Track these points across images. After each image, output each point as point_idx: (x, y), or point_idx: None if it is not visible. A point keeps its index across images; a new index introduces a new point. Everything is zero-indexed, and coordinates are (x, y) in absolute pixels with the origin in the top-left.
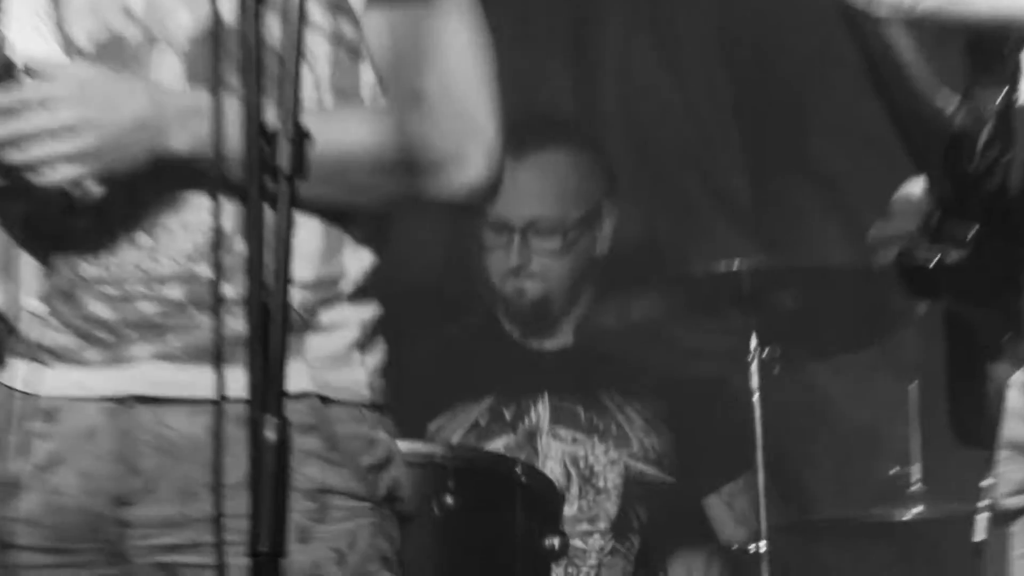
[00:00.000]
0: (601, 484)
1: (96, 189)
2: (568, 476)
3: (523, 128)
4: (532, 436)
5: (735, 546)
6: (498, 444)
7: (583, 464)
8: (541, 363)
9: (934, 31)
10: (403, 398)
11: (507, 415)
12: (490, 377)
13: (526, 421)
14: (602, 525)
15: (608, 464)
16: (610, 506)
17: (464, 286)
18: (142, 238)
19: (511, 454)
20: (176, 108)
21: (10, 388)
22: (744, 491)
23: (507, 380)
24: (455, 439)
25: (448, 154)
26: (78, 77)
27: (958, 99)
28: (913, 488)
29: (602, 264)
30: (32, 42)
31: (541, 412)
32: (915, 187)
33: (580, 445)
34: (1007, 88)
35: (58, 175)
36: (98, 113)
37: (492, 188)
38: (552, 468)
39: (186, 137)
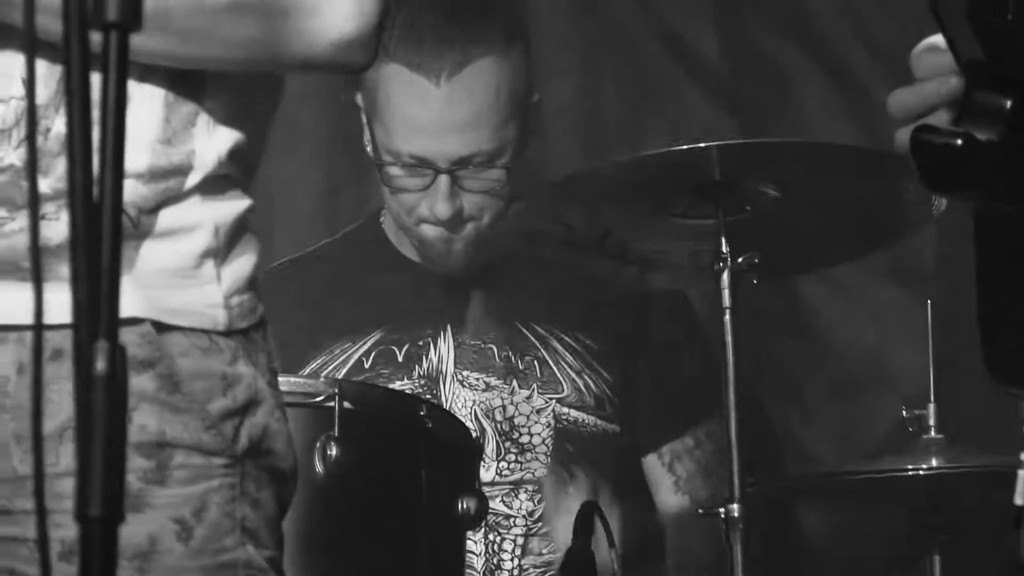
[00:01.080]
0: (526, 440)
1: None
2: (482, 432)
3: (436, 33)
4: (432, 382)
5: (700, 510)
6: (399, 383)
7: (500, 416)
8: (444, 287)
9: None
10: (295, 331)
11: (399, 355)
12: (377, 305)
13: (424, 363)
14: (529, 488)
15: (533, 413)
16: (538, 466)
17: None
18: None
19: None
20: None
21: None
22: (691, 451)
23: (399, 309)
24: (338, 372)
25: None
26: None
27: None
28: (928, 435)
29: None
30: None
31: (443, 351)
32: (939, 43)
33: (495, 392)
34: None
35: None
36: None
37: (364, 44)
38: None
39: None
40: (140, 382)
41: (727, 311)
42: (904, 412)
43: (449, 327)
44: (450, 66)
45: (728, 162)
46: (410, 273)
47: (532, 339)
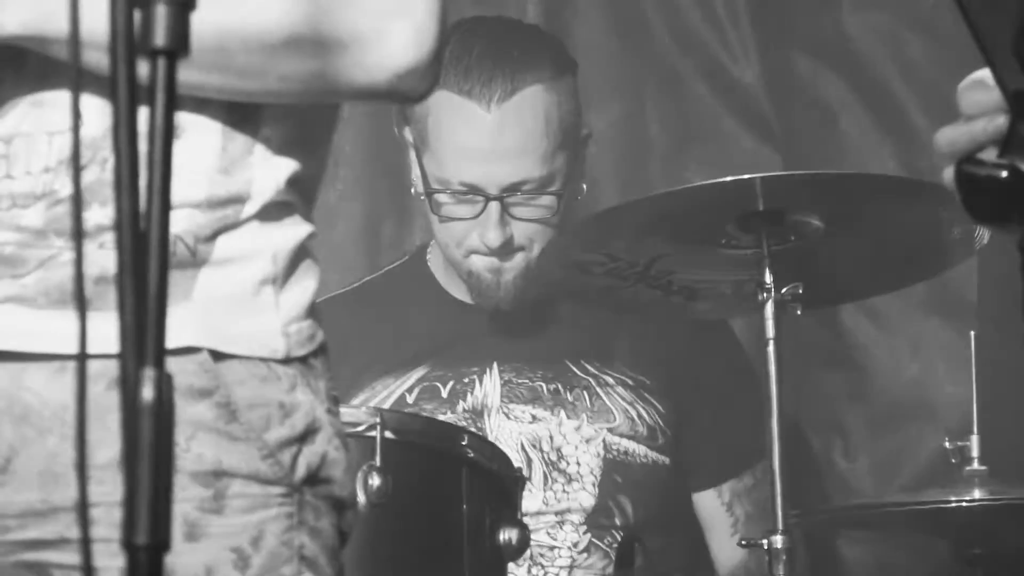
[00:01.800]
0: (573, 469)
1: None
2: (528, 461)
3: (488, 61)
4: (477, 415)
5: (743, 541)
6: (443, 412)
7: (547, 445)
8: (491, 326)
9: None
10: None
11: (443, 391)
12: (421, 341)
13: (468, 398)
14: (576, 512)
15: (581, 443)
16: (585, 496)
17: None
18: None
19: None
20: None
21: None
22: (750, 491)
23: (444, 346)
24: (385, 402)
25: (365, 28)
26: None
27: None
28: (971, 467)
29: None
30: None
31: (489, 388)
32: (986, 78)
33: (542, 423)
34: None
35: None
36: None
37: (423, 73)
38: (508, 446)
39: (21, 10)
40: (197, 411)
41: (770, 342)
42: (947, 443)
43: (496, 364)
44: (500, 92)
45: (772, 193)
46: (456, 311)
47: (581, 375)
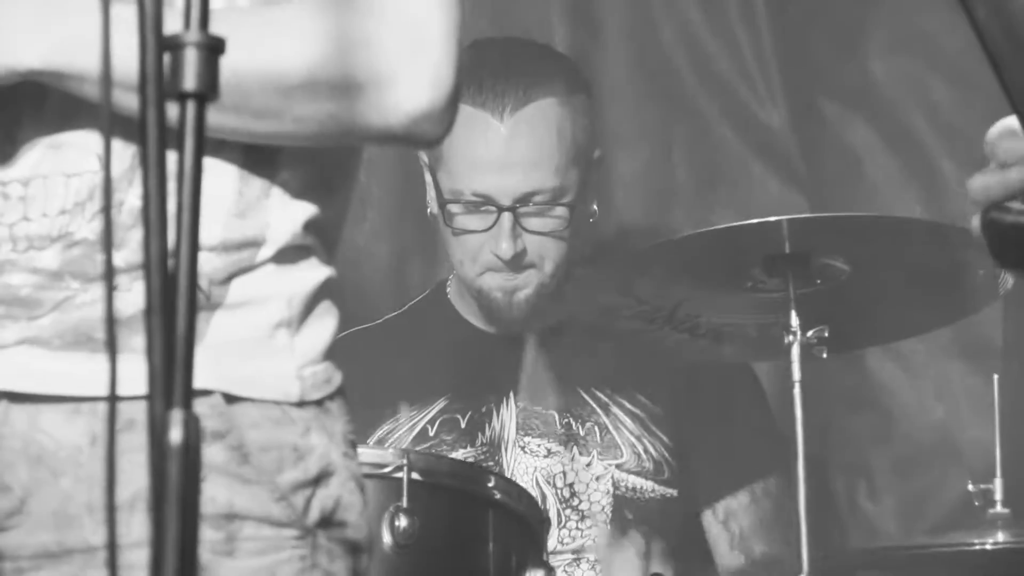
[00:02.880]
0: (585, 507)
1: None
2: (543, 497)
3: (503, 73)
4: (495, 449)
5: None
6: (455, 457)
7: (561, 482)
8: (506, 353)
9: None
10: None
11: (462, 422)
12: (441, 373)
13: (487, 430)
14: (591, 556)
15: (592, 480)
16: (597, 533)
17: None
18: (13, 188)
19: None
20: (27, 10)
21: None
22: (747, 508)
23: (463, 377)
24: (404, 440)
25: (381, 71)
26: None
27: None
28: (995, 510)
29: (597, 228)
30: None
31: (506, 418)
32: (1016, 126)
33: (556, 458)
34: None
35: None
36: None
37: (439, 117)
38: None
39: (41, 46)
40: (210, 453)
41: (796, 384)
42: (970, 486)
43: (512, 394)
44: (513, 103)
45: (798, 236)
46: (474, 339)
47: (592, 404)
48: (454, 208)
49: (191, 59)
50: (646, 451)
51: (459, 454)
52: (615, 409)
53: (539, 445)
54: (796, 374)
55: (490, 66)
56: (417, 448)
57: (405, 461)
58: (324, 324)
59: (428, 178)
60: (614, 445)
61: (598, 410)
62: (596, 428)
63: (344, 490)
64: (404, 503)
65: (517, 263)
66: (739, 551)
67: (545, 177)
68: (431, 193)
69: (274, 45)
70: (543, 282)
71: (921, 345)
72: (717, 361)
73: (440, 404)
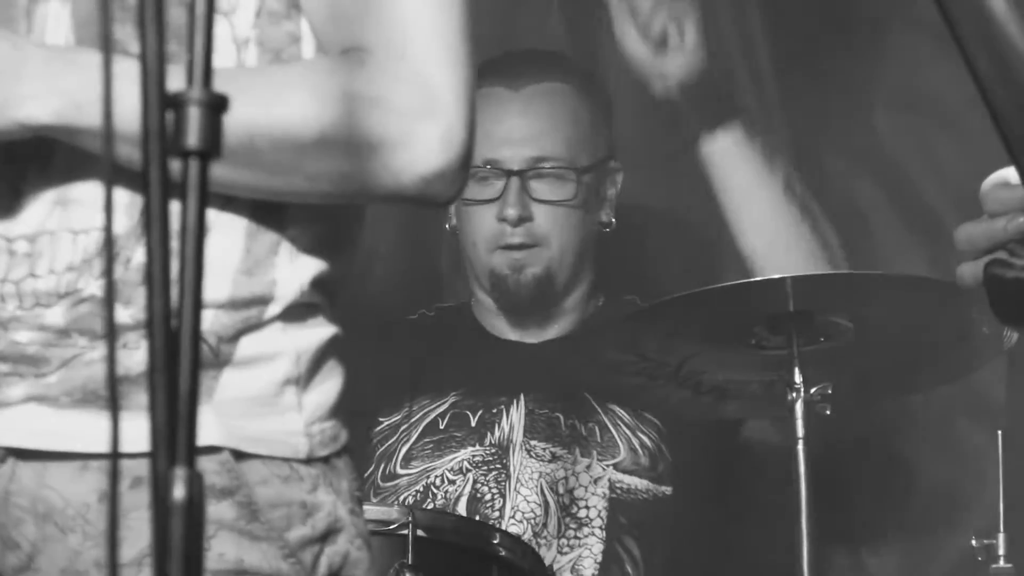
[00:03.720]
0: (583, 513)
1: None
2: (545, 507)
3: (520, 59)
4: (503, 451)
5: None
6: (460, 456)
7: (562, 488)
8: (520, 361)
9: None
10: (352, 394)
11: (472, 419)
12: (458, 370)
13: (496, 431)
14: (587, 564)
15: (591, 484)
16: (595, 542)
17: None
18: (19, 245)
19: (475, 470)
20: (37, 63)
21: None
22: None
23: (477, 376)
24: (407, 446)
25: (392, 131)
26: None
27: None
28: (998, 565)
29: (609, 237)
30: None
31: (515, 419)
32: (1010, 177)
33: (560, 463)
34: None
35: None
36: None
37: (452, 178)
38: (527, 496)
39: (51, 100)
40: (219, 510)
41: (800, 441)
42: (974, 542)
43: (522, 395)
44: (528, 79)
45: (801, 294)
46: (490, 345)
47: (593, 403)
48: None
49: (194, 117)
50: (641, 444)
51: (467, 452)
52: (612, 405)
53: (544, 448)
54: (800, 431)
55: (509, 56)
56: (426, 443)
57: (410, 518)
58: (331, 382)
59: None
60: (612, 444)
61: (598, 409)
62: (596, 427)
63: (351, 546)
64: (409, 560)
65: (526, 233)
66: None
67: (555, 145)
68: None
69: (287, 103)
70: (551, 262)
71: (925, 401)
72: (720, 418)
73: (452, 399)
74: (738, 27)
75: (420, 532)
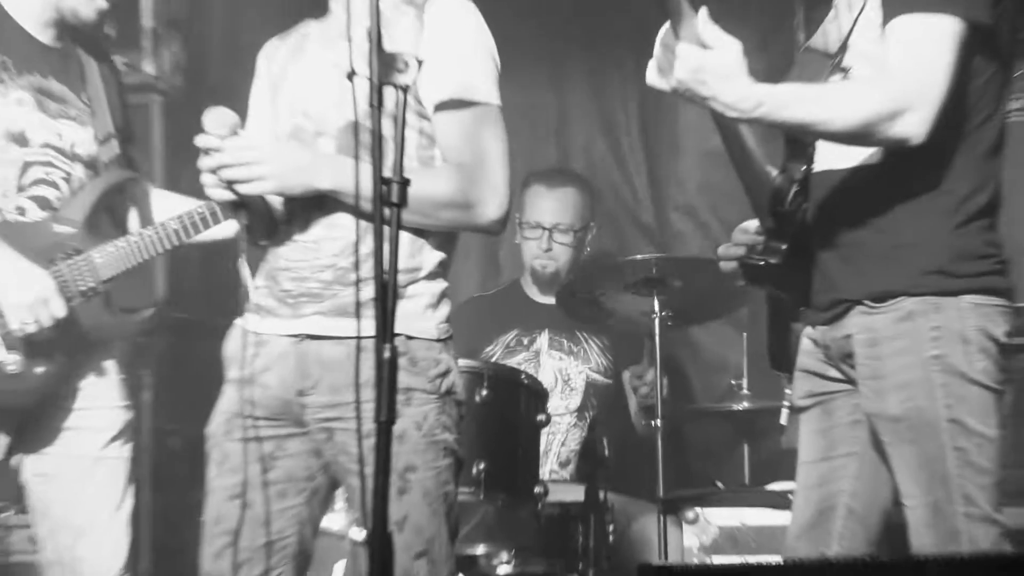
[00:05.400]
0: (573, 386)
1: (279, 208)
2: (556, 380)
3: (552, 173)
4: (537, 354)
5: (646, 424)
6: (518, 358)
7: (563, 373)
8: (543, 311)
9: (764, 129)
10: (470, 333)
11: (524, 341)
12: (513, 319)
13: (533, 346)
14: (572, 407)
15: (577, 374)
16: (576, 398)
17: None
18: (310, 243)
19: (522, 367)
20: (324, 162)
21: (244, 328)
22: (644, 378)
23: (524, 321)
24: (496, 356)
25: (477, 200)
26: (272, 145)
27: (778, 170)
28: (744, 392)
29: (582, 258)
30: (254, 127)
31: (542, 341)
32: (751, 223)
33: (564, 362)
34: (806, 164)
35: (253, 190)
36: (275, 159)
37: (502, 222)
38: (547, 375)
39: (329, 179)
40: (401, 363)
41: (656, 337)
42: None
43: (546, 329)
44: (557, 183)
45: (660, 266)
46: (531, 304)
47: (580, 337)
48: (525, 229)
49: (395, 188)
50: (599, 360)
51: (520, 355)
52: (591, 341)
53: (557, 355)
54: (656, 337)
55: (549, 170)
56: (505, 353)
57: (484, 366)
58: (444, 306)
59: (516, 217)
60: (590, 358)
61: (580, 337)
62: (583, 349)
63: (456, 378)
64: (485, 384)
65: (549, 255)
66: (642, 407)
67: (567, 217)
68: (517, 221)
69: (434, 184)
70: (559, 267)
71: (714, 321)
72: (618, 328)
73: (514, 332)
74: None
75: (488, 372)
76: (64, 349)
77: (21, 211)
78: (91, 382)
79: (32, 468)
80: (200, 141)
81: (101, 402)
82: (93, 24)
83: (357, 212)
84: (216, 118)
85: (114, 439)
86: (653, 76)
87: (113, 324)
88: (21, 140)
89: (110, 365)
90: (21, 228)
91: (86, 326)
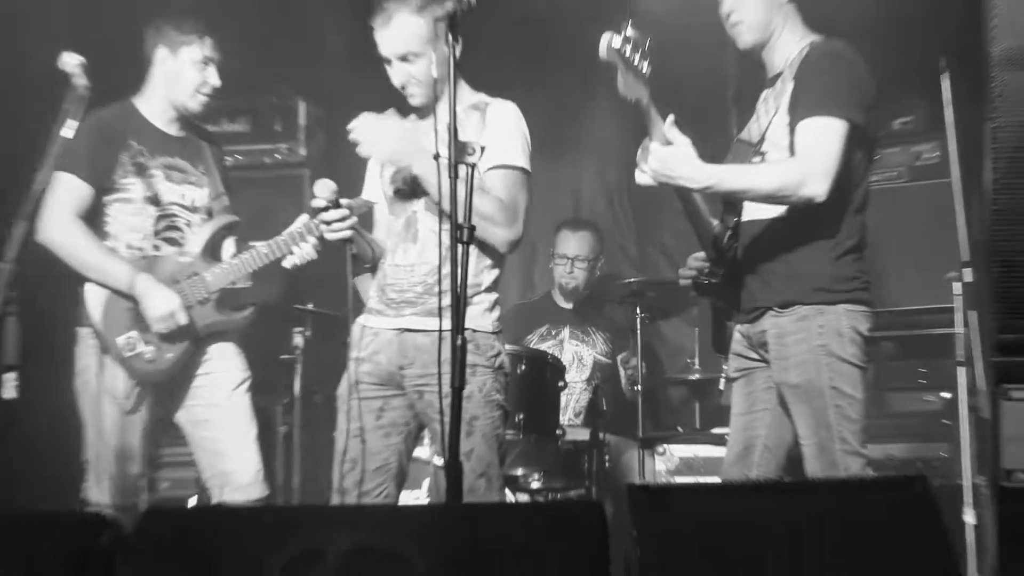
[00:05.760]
0: (584, 364)
1: (380, 246)
2: (573, 360)
3: (575, 221)
4: (561, 343)
5: (631, 389)
6: (547, 345)
7: (578, 355)
8: (566, 313)
9: (709, 194)
10: (516, 327)
11: (552, 333)
12: (545, 318)
13: (558, 337)
14: (583, 378)
15: (588, 356)
16: (585, 372)
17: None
18: (407, 267)
19: (550, 351)
20: (426, 160)
21: (362, 324)
22: (630, 360)
23: (552, 320)
24: (532, 343)
25: (504, 237)
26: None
27: (718, 221)
28: (696, 367)
29: (594, 279)
30: (368, 192)
31: (565, 333)
32: (700, 254)
33: (579, 348)
34: (737, 216)
35: (338, 236)
36: (392, 139)
37: (516, 244)
38: (567, 356)
39: (421, 164)
40: (468, 348)
41: (638, 332)
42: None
43: (568, 326)
44: (577, 228)
45: (639, 286)
46: (557, 310)
47: (591, 329)
48: (555, 258)
49: (465, 231)
50: (603, 347)
51: (549, 343)
52: (597, 334)
53: (575, 344)
54: (638, 332)
55: (573, 218)
56: (538, 341)
57: (524, 350)
58: (497, 309)
59: (551, 250)
60: (597, 345)
61: (592, 333)
62: (592, 339)
63: (505, 359)
64: (523, 362)
65: (572, 277)
66: (628, 380)
67: (584, 250)
68: (551, 253)
69: (487, 207)
70: (578, 284)
71: (675, 318)
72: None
73: (545, 327)
74: None
75: (525, 354)
76: (188, 339)
77: (156, 248)
78: (213, 355)
79: (184, 417)
80: (313, 203)
81: (222, 365)
82: (200, 114)
83: (439, 244)
84: (323, 185)
85: (235, 388)
86: (640, 177)
87: (222, 320)
88: (155, 201)
89: (229, 344)
90: (157, 260)
91: (202, 323)
